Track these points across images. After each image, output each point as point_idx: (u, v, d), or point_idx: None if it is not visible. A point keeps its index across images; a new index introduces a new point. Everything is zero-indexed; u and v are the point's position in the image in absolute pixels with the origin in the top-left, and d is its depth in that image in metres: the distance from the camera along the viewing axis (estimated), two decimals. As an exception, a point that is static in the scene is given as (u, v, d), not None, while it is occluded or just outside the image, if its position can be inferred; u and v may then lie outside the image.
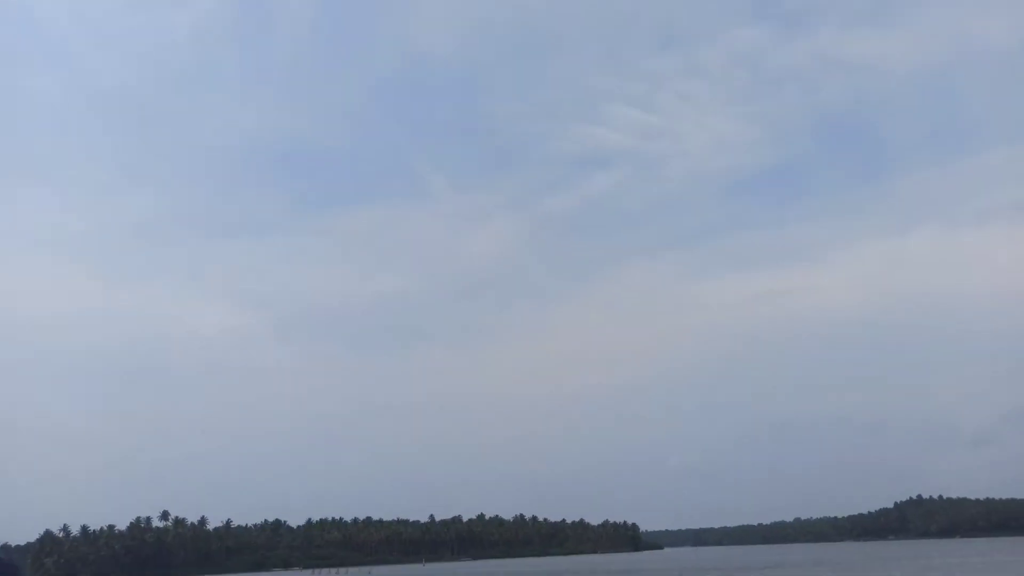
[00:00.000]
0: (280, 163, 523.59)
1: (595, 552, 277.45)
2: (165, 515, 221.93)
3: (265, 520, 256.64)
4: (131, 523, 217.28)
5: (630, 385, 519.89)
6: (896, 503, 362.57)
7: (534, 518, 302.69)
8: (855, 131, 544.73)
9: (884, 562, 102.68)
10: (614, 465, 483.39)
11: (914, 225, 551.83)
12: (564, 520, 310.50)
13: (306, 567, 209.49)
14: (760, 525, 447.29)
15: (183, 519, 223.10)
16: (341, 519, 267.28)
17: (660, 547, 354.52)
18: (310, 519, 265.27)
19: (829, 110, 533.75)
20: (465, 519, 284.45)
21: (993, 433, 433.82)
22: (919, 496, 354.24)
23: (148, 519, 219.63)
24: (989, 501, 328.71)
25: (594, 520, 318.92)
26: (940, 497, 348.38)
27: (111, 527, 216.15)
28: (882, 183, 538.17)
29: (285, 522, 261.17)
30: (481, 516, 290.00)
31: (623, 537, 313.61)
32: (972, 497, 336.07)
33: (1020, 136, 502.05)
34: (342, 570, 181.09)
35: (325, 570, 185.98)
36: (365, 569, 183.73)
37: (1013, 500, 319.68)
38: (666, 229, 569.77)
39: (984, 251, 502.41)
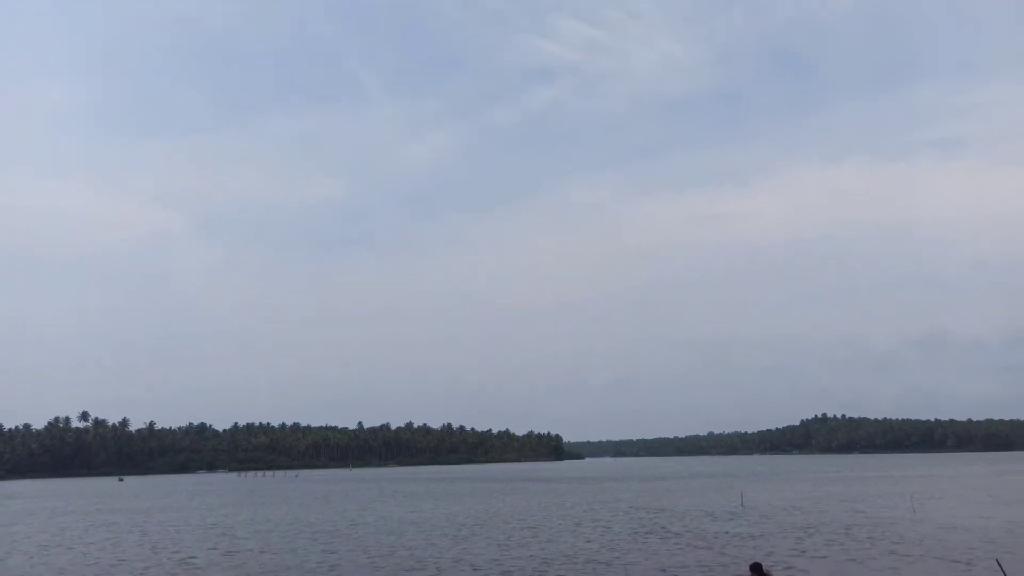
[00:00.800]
0: (206, 59, 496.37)
1: (519, 461, 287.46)
2: (85, 416, 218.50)
3: (190, 423, 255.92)
4: (49, 423, 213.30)
5: (561, 301, 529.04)
6: (802, 420, 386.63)
7: (461, 427, 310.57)
8: (796, 58, 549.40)
9: (786, 473, 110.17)
10: (541, 379, 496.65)
11: (844, 155, 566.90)
12: (490, 430, 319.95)
13: (232, 470, 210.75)
14: (675, 438, 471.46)
15: (104, 420, 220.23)
16: (268, 424, 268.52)
17: (581, 457, 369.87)
18: (236, 423, 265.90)
19: (772, 36, 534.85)
20: (393, 427, 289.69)
21: (895, 357, 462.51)
22: (824, 415, 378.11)
23: (67, 419, 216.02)
24: (886, 421, 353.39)
25: (519, 431, 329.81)
26: (842, 416, 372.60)
27: (27, 426, 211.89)
28: (818, 111, 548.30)
29: (211, 426, 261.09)
30: (409, 424, 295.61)
31: (546, 447, 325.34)
32: (871, 416, 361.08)
33: (948, 74, 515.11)
34: (268, 473, 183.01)
35: (251, 473, 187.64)
36: (292, 473, 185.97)
37: (907, 420, 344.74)
38: (606, 147, 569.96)
39: (906, 184, 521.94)
